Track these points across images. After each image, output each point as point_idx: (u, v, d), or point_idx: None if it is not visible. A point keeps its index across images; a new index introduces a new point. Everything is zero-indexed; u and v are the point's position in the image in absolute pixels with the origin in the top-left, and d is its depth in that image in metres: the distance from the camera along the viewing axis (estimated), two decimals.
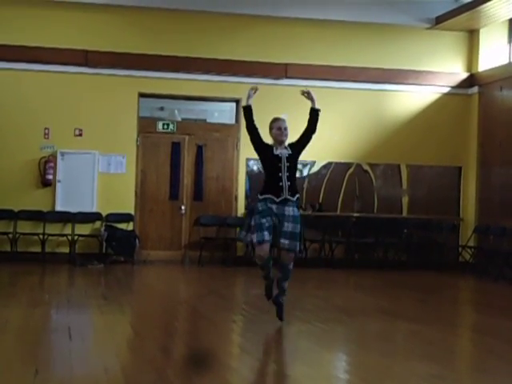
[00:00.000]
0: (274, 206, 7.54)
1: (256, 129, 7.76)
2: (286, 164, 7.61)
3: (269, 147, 7.73)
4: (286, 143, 7.76)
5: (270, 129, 7.78)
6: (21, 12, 13.74)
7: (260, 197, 7.64)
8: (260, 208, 7.56)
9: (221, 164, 14.56)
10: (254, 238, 7.47)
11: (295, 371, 6.15)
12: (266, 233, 7.44)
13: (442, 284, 12.98)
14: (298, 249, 7.58)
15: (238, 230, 14.36)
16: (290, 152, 7.69)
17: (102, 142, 14.01)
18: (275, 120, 7.80)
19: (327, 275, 13.31)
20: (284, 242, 7.52)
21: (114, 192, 14.00)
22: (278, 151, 7.66)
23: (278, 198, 7.55)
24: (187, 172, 14.48)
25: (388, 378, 5.85)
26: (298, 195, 7.68)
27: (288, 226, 7.51)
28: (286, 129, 7.70)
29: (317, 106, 7.89)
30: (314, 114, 7.89)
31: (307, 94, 7.94)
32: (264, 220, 7.48)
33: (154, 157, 14.40)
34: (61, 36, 13.84)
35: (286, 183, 7.57)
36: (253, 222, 7.51)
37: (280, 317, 7.71)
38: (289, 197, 7.57)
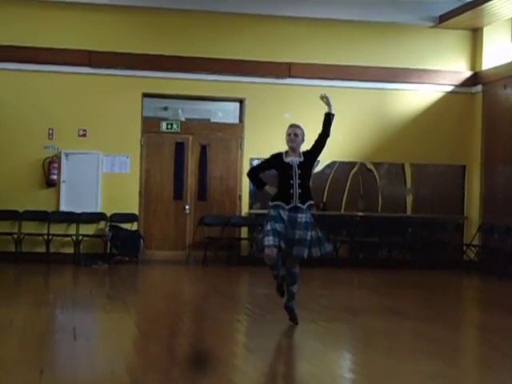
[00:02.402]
0: (285, 213, 7.55)
1: (263, 172, 8.00)
2: (298, 171, 7.60)
3: (278, 157, 7.73)
4: (301, 150, 7.75)
5: (286, 134, 7.81)
6: (24, 13, 13.74)
7: (271, 203, 7.67)
8: (273, 213, 7.58)
9: (225, 164, 14.56)
10: (265, 241, 7.50)
11: (300, 370, 6.15)
12: (276, 238, 7.46)
13: (447, 283, 12.97)
14: (305, 254, 7.54)
15: (243, 230, 14.45)
16: (302, 159, 7.68)
17: (105, 142, 14.01)
18: (290, 126, 7.80)
19: (332, 274, 13.29)
20: (298, 249, 7.52)
21: (118, 192, 14.00)
22: (288, 159, 7.66)
23: (287, 205, 7.55)
24: (191, 172, 14.47)
25: (393, 377, 5.84)
26: (310, 202, 7.65)
27: (299, 234, 7.51)
28: (296, 135, 7.66)
29: (332, 111, 7.87)
30: (328, 118, 7.85)
31: (326, 99, 7.89)
32: (277, 225, 7.48)
33: (158, 157, 14.40)
34: (64, 36, 13.84)
35: (296, 191, 7.57)
36: (268, 227, 7.52)
37: (294, 321, 7.67)
38: (299, 204, 7.56)
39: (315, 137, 7.88)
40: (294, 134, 7.67)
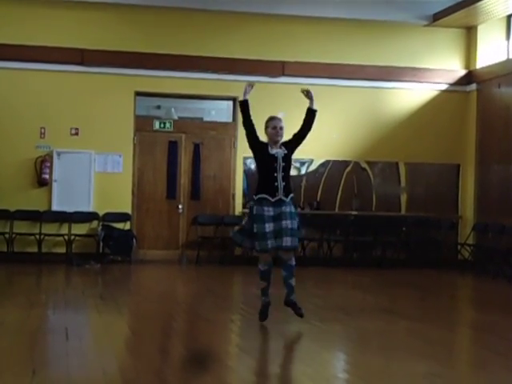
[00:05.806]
0: (270, 208, 7.51)
1: (253, 125, 7.72)
2: (282, 164, 7.60)
3: (264, 145, 7.70)
4: (281, 142, 7.73)
5: (266, 127, 7.76)
6: (16, 11, 13.67)
7: (255, 197, 7.64)
8: (255, 212, 7.55)
9: (218, 162, 14.51)
10: (257, 246, 7.52)
11: (294, 371, 6.12)
12: (268, 242, 7.45)
13: (441, 282, 12.95)
14: (297, 244, 7.60)
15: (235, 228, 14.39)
16: (286, 152, 7.66)
17: (98, 141, 13.95)
18: (271, 119, 7.77)
19: (326, 274, 13.27)
20: (286, 239, 7.47)
21: (111, 191, 13.94)
22: (273, 151, 7.63)
23: (272, 198, 7.54)
24: (184, 171, 14.43)
25: (387, 377, 5.82)
26: (291, 195, 7.66)
27: (287, 224, 7.49)
28: (281, 128, 7.68)
29: (314, 107, 7.83)
30: (311, 115, 7.84)
31: (306, 93, 7.86)
32: (262, 227, 7.45)
33: (151, 156, 14.34)
34: (57, 35, 13.78)
35: (281, 183, 7.56)
36: (255, 230, 7.50)
37: (299, 314, 7.63)
38: (283, 197, 7.55)
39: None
40: (280, 127, 7.65)
